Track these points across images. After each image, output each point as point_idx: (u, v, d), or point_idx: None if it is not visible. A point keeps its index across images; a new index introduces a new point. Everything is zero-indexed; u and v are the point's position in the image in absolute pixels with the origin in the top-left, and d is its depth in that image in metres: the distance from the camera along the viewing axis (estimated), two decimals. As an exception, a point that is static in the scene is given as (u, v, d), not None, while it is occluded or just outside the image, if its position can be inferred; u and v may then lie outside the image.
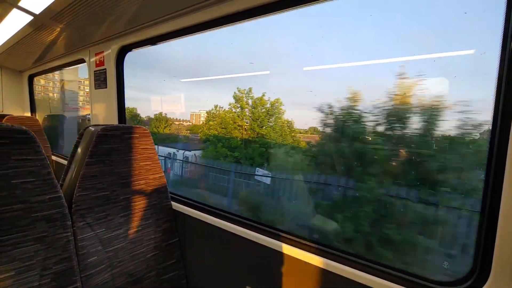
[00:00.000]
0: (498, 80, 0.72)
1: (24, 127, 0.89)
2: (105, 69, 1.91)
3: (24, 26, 1.84)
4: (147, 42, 1.66)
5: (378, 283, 0.83)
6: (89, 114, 2.15)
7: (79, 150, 1.15)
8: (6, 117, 2.51)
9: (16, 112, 3.44)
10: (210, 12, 1.24)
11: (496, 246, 0.66)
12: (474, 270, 0.72)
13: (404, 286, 0.80)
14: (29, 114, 3.53)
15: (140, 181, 1.27)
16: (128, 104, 1.95)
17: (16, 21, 1.81)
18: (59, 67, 2.77)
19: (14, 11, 1.65)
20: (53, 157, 2.93)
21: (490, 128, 0.73)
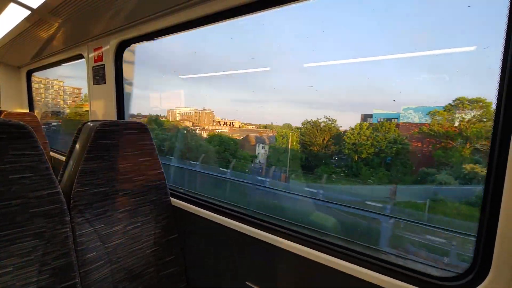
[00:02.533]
0: (501, 77, 0.71)
1: (21, 122, 0.88)
2: (104, 64, 1.90)
3: (22, 20, 1.82)
4: (145, 37, 1.65)
5: (377, 278, 0.82)
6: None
7: (77, 145, 1.14)
8: (4, 113, 2.50)
9: (14, 109, 3.42)
10: (210, 7, 1.22)
11: (496, 242, 0.66)
12: (474, 266, 0.72)
13: (403, 281, 0.80)
14: (27, 110, 3.51)
15: (139, 177, 1.27)
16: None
17: (13, 15, 1.79)
18: (58, 63, 2.75)
19: (11, 5, 1.63)
20: (52, 153, 2.92)
21: (492, 125, 0.72)
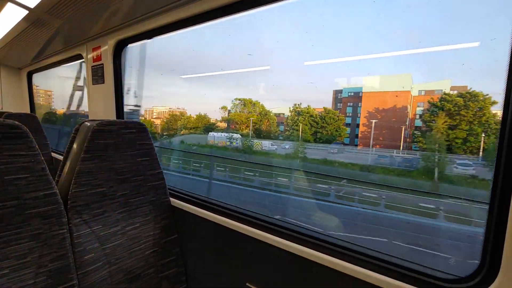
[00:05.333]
0: (509, 71, 0.68)
1: (16, 122, 0.87)
2: (103, 64, 1.89)
3: (20, 21, 1.81)
4: (143, 36, 1.63)
5: (381, 280, 0.80)
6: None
7: (74, 145, 1.13)
8: (4, 114, 2.49)
9: (16, 110, 3.43)
10: (207, 3, 1.20)
11: (506, 243, 0.63)
12: (483, 267, 0.70)
13: (406, 283, 0.77)
14: (28, 111, 3.52)
15: (137, 177, 1.25)
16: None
17: (11, 15, 1.78)
18: (57, 63, 2.75)
19: (9, 5, 1.62)
20: (53, 154, 2.92)
21: (500, 122, 0.69)
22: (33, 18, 1.74)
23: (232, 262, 1.22)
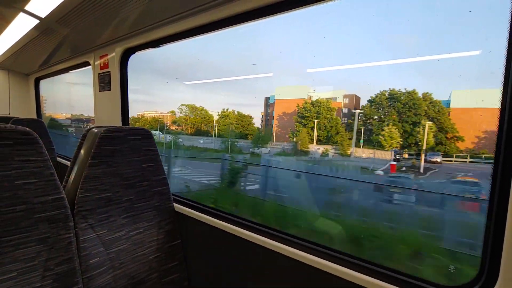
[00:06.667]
0: (504, 79, 0.70)
1: (27, 128, 0.90)
2: (109, 71, 1.93)
3: (31, 29, 1.87)
4: (150, 45, 1.68)
5: (379, 285, 0.81)
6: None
7: (82, 151, 1.16)
8: (12, 119, 2.54)
9: (23, 115, 3.49)
10: (213, 14, 1.24)
11: (504, 250, 0.64)
12: (482, 273, 0.70)
13: None
14: (35, 117, 3.58)
15: (142, 183, 1.27)
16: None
17: (22, 25, 1.84)
18: (65, 70, 2.81)
19: (21, 15, 1.67)
20: (58, 159, 2.96)
21: (497, 129, 0.71)
22: (44, 27, 1.80)
23: (235, 267, 1.23)
